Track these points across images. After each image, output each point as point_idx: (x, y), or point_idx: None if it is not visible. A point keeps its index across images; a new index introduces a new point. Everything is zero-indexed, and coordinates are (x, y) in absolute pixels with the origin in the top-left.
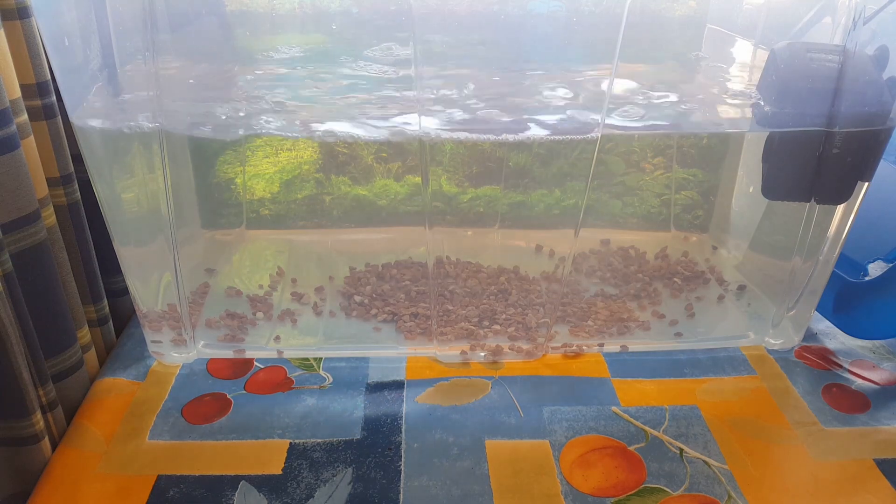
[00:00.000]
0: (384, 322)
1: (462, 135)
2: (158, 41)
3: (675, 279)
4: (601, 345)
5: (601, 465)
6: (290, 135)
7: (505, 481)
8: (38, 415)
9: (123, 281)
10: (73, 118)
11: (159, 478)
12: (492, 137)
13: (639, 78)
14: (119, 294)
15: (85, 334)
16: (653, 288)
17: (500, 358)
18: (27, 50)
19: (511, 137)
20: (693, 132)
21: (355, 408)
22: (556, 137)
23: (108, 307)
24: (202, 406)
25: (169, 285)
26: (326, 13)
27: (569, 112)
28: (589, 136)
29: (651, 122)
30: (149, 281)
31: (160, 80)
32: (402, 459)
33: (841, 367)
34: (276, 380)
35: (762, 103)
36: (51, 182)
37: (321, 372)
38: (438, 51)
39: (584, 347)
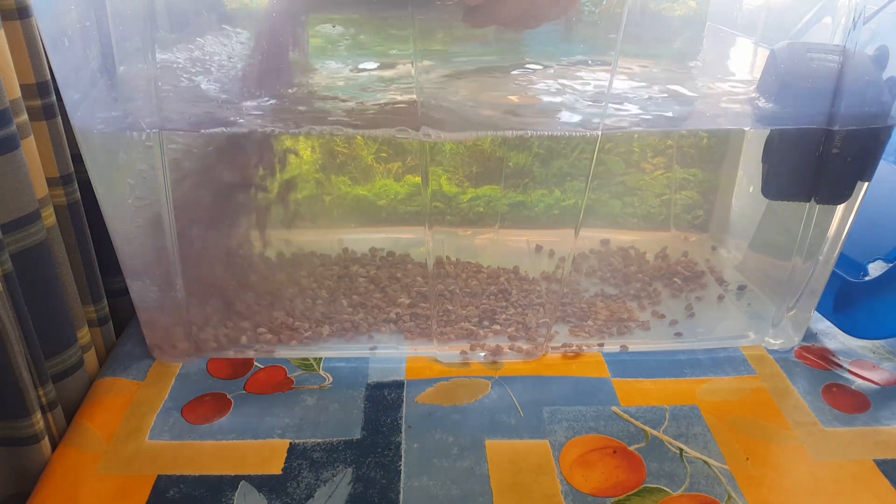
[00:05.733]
0: (384, 322)
1: (462, 135)
2: (158, 41)
3: (675, 279)
4: (601, 345)
5: (601, 465)
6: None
7: (505, 481)
8: (38, 415)
9: (123, 281)
10: (73, 119)
11: (159, 478)
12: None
13: (639, 77)
14: (119, 294)
15: (85, 334)
16: (653, 288)
17: (500, 358)
18: (27, 50)
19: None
20: (693, 131)
21: (355, 408)
22: (556, 137)
23: (108, 307)
24: (202, 406)
25: None
26: None
27: (568, 111)
28: (589, 135)
29: (651, 122)
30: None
31: (160, 81)
32: (402, 459)
33: (841, 367)
34: (276, 380)
35: (762, 103)
36: (51, 182)
37: (321, 372)
38: (438, 49)
39: (584, 347)
